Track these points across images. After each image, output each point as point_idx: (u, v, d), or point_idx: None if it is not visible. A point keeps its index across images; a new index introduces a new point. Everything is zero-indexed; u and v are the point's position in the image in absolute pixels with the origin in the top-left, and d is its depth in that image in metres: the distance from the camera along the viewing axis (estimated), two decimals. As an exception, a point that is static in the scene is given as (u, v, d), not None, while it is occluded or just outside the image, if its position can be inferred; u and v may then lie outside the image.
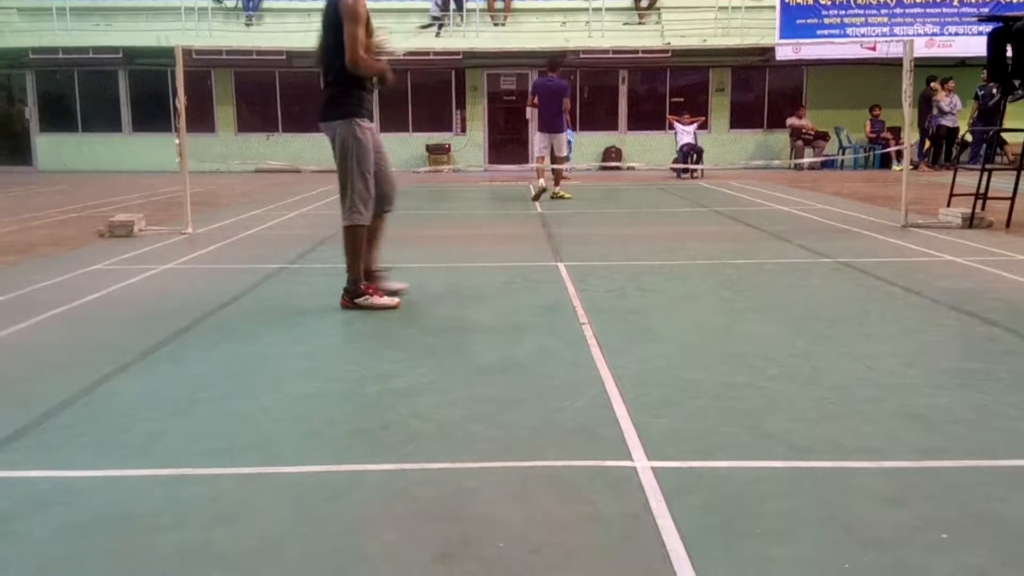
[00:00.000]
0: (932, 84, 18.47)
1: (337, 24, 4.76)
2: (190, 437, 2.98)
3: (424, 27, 20.41)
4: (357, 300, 4.97)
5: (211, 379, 3.69)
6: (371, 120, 5.02)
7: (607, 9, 20.34)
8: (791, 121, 20.21)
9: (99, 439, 2.97)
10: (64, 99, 21.83)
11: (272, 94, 21.63)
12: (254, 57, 19.26)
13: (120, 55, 20.42)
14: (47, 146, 21.53)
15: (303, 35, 20.09)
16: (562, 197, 11.98)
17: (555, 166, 12.16)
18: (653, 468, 2.64)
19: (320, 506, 2.43)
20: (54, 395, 3.42)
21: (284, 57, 20.16)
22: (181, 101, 8.34)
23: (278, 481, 2.62)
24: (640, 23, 20.93)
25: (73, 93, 21.75)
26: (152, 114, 21.17)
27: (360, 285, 4.98)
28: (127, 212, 9.18)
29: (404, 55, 19.21)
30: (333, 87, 4.91)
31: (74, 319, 4.88)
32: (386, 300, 5.03)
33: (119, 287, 5.75)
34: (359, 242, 4.98)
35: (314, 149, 19.47)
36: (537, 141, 12.08)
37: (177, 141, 8.57)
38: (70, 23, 20.17)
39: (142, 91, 21.60)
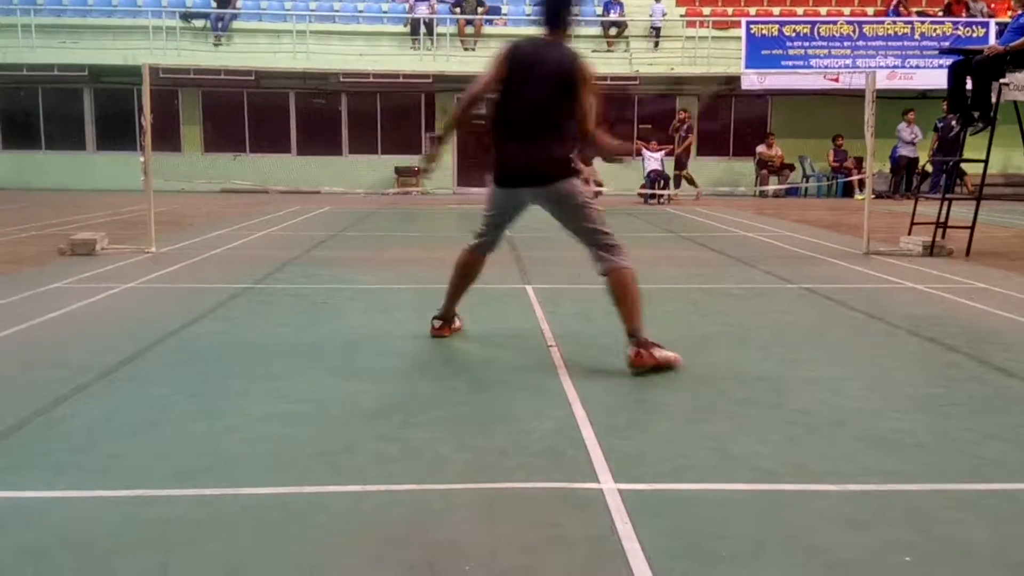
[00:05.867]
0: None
1: (569, 84, 4.28)
2: (150, 458, 2.93)
3: None
4: (648, 350, 4.08)
5: (172, 400, 3.63)
6: None
7: (576, 36, 20.51)
8: (761, 149, 20.47)
9: (57, 460, 2.91)
10: (28, 117, 21.55)
11: (240, 114, 21.53)
12: (222, 77, 19.15)
13: (86, 73, 20.22)
14: (9, 164, 21.19)
15: (272, 55, 20.13)
16: None
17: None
18: (620, 490, 2.63)
19: (281, 529, 2.39)
20: (11, 415, 3.34)
21: (252, 77, 20.09)
22: (147, 119, 8.27)
23: (239, 503, 2.57)
24: (609, 50, 21.16)
25: (37, 111, 21.49)
26: (117, 132, 20.92)
27: (644, 337, 4.12)
28: (90, 230, 9.05)
29: (374, 77, 19.18)
30: (553, 146, 4.32)
31: (33, 338, 4.79)
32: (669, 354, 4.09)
33: (79, 306, 5.66)
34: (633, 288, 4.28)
35: (281, 170, 19.35)
36: None
37: (142, 159, 8.48)
38: (35, 40, 19.96)
39: (107, 109, 21.38)
